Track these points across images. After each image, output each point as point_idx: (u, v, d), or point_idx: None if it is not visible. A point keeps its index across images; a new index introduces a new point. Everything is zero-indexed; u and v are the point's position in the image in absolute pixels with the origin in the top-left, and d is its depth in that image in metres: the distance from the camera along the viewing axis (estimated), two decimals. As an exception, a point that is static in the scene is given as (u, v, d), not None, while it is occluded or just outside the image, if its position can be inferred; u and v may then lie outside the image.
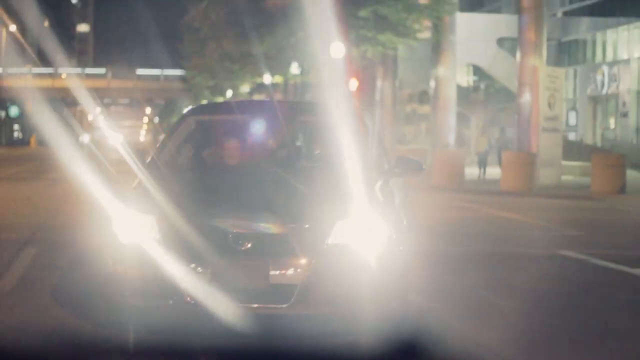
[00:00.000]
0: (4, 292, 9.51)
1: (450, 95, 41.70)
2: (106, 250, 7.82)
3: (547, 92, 29.48)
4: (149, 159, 9.04)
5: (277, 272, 7.36)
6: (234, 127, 9.55)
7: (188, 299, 7.42)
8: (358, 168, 8.07)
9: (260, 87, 61.32)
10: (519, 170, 27.32)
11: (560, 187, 28.35)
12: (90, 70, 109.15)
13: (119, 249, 7.77)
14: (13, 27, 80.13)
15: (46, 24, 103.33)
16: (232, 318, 7.25)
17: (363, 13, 34.88)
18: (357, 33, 35.11)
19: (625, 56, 43.30)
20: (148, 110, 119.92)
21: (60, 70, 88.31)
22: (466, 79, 57.40)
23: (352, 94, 33.17)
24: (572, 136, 47.45)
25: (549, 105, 29.59)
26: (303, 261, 7.36)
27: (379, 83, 46.50)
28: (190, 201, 7.95)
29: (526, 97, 30.30)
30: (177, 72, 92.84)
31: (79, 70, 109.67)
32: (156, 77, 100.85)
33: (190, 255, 7.49)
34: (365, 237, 7.44)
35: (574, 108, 48.69)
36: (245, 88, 62.79)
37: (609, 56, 43.95)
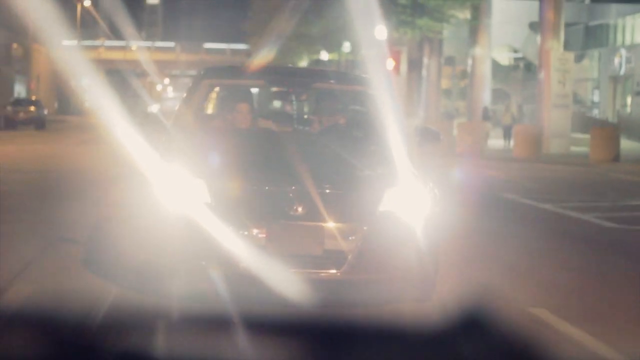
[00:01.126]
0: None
1: (485, 73, 45.82)
2: (150, 217, 7.57)
3: (558, 72, 33.61)
4: (175, 123, 8.80)
5: (331, 238, 7.42)
6: (264, 93, 9.85)
7: (242, 266, 7.31)
8: (399, 139, 8.15)
9: (317, 63, 65.58)
10: (528, 140, 31.58)
11: (566, 156, 32.46)
12: (160, 44, 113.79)
13: (166, 216, 7.49)
14: (88, 2, 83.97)
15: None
16: (286, 285, 7.12)
17: (402, 0, 39.15)
18: (397, 18, 39.39)
19: (640, 40, 47.00)
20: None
21: (131, 43, 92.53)
22: (508, 57, 61.29)
23: (390, 71, 37.46)
24: (595, 113, 51.59)
25: (561, 83, 33.75)
26: (356, 227, 7.44)
27: (425, 61, 50.43)
28: (239, 165, 7.85)
29: (541, 76, 34.49)
30: (242, 46, 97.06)
31: (149, 43, 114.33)
32: (222, 51, 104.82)
33: (243, 221, 7.41)
34: (411, 205, 7.61)
35: (597, 87, 52.82)
36: (303, 64, 67.23)
37: (628, 40, 47.74)
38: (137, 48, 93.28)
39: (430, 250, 7.64)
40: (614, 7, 53.74)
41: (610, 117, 48.25)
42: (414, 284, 7.62)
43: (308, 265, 7.40)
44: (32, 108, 48.97)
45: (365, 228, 7.43)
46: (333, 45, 50.51)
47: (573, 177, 23.68)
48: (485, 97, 45.31)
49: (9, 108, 48.18)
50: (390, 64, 37.67)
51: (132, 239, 8.71)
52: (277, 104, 9.63)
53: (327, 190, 7.54)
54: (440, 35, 44.89)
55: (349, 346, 1.88)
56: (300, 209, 7.47)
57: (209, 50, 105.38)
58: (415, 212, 7.59)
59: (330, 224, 7.44)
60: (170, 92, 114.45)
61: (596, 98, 52.85)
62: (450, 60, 58.94)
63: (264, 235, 7.40)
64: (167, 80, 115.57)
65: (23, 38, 68.12)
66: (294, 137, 8.95)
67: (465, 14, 44.05)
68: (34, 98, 55.10)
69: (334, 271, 7.39)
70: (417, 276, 7.55)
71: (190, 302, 7.20)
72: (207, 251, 7.29)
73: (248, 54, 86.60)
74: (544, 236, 12.29)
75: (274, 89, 10.30)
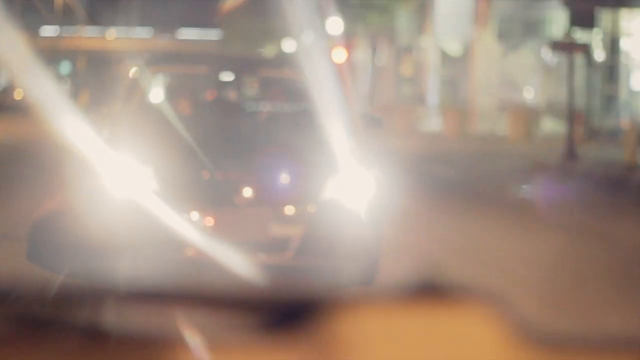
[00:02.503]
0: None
1: (433, 62, 50.53)
2: (97, 204, 7.51)
3: (485, 61, 38.47)
4: (120, 110, 8.85)
5: (277, 224, 7.62)
6: (199, 79, 9.72)
7: (189, 252, 7.40)
8: (341, 126, 8.19)
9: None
10: (455, 121, 36.47)
11: (487, 135, 37.24)
12: (136, 31, 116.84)
13: (112, 203, 7.49)
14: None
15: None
16: (233, 269, 7.14)
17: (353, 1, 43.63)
18: (349, 13, 43.80)
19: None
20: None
21: (109, 31, 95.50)
22: (456, 48, 66.10)
23: (342, 62, 41.89)
24: (528, 99, 57.29)
25: (486, 72, 38.58)
26: (299, 214, 7.66)
27: (380, 50, 54.66)
28: (185, 152, 7.89)
29: (470, 64, 39.35)
30: (216, 35, 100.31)
31: (125, 30, 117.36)
32: (198, 41, 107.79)
33: (190, 207, 7.52)
34: (353, 190, 7.81)
35: (532, 76, 58.65)
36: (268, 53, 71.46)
37: (558, 32, 53.23)
38: (114, 35, 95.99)
39: (373, 234, 7.83)
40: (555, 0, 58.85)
41: (541, 103, 53.38)
42: (358, 269, 7.70)
43: (254, 250, 7.58)
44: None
45: (309, 214, 7.68)
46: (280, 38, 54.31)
47: (474, 151, 28.58)
48: (431, 84, 49.92)
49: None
50: (341, 54, 42.15)
51: (78, 228, 8.01)
52: (222, 90, 9.69)
53: (272, 177, 7.80)
54: (391, 25, 49.17)
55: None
56: (245, 195, 7.62)
57: (183, 40, 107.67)
58: (357, 197, 7.80)
59: (275, 210, 7.65)
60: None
61: (531, 85, 58.28)
62: (408, 49, 63.41)
63: (211, 222, 7.56)
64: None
65: None
66: (239, 124, 8.96)
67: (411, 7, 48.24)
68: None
69: (279, 256, 7.61)
70: (361, 261, 7.70)
71: (141, 288, 8.10)
72: (154, 237, 7.34)
73: (220, 44, 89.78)
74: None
75: (219, 76, 10.03)
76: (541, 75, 55.68)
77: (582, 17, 25.27)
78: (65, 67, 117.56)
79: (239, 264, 7.24)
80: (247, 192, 7.66)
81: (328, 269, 7.75)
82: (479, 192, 17.53)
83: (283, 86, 9.58)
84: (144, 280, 3.88)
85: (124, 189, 7.57)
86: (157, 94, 9.34)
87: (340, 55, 42.96)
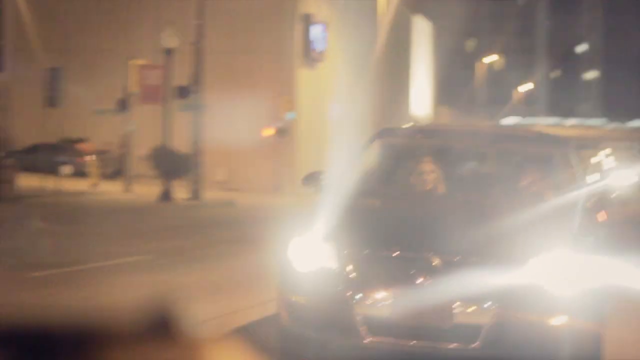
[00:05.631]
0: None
1: None
2: (283, 277, 7.69)
3: None
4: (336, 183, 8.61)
5: (462, 311, 7.04)
6: (441, 153, 8.98)
7: (368, 339, 7.14)
8: (562, 203, 7.92)
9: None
10: None
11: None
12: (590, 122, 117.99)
13: (295, 277, 7.51)
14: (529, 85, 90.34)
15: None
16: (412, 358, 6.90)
17: None
18: None
19: None
20: None
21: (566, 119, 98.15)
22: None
23: None
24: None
25: None
26: (490, 300, 6.99)
27: None
28: (379, 231, 7.71)
29: None
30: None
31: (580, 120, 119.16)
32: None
33: (369, 288, 7.18)
34: (560, 275, 7.10)
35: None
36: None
37: None
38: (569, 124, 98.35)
39: (587, 329, 7.17)
40: None
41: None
42: None
43: (437, 337, 7.14)
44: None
45: (502, 301, 7.04)
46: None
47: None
48: None
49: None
50: None
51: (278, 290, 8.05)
52: (468, 165, 9.12)
53: (459, 260, 7.19)
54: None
55: None
56: (429, 278, 7.14)
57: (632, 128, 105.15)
58: (565, 284, 7.13)
59: (462, 296, 7.08)
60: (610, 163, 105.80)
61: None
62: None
63: (390, 305, 7.13)
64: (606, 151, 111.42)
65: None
66: (459, 202, 8.50)
67: None
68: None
69: (466, 346, 7.07)
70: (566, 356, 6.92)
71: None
72: (334, 319, 7.27)
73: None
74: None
75: (459, 150, 9.38)
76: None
77: None
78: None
79: (418, 351, 7.12)
80: (431, 275, 7.16)
81: None
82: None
83: (530, 162, 9.09)
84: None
85: (304, 263, 7.58)
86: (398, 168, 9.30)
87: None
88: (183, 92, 34.27)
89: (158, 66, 35.58)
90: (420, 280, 7.14)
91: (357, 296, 7.21)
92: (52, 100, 33.09)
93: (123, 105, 37.56)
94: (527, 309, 7.06)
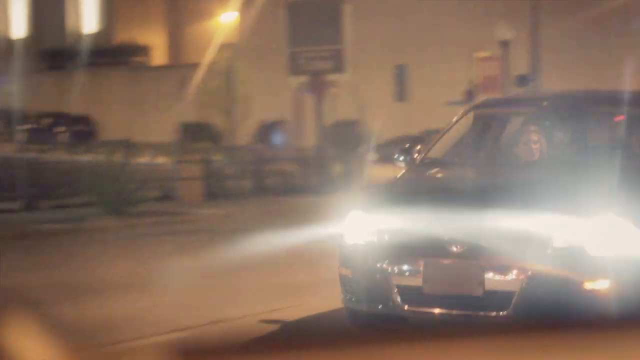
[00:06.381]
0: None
1: None
2: (338, 250, 7.86)
3: None
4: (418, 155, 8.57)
5: (493, 277, 6.97)
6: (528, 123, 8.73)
7: (405, 307, 7.23)
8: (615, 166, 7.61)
9: None
10: None
11: None
12: None
13: (343, 250, 7.71)
14: None
15: None
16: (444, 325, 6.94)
17: None
18: None
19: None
20: None
21: None
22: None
23: None
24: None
25: None
26: (522, 266, 6.91)
27: None
28: (432, 201, 7.61)
29: None
30: None
31: None
32: None
33: (407, 259, 7.27)
34: (601, 240, 6.89)
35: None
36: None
37: None
38: None
39: (623, 297, 6.80)
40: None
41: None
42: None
43: (467, 306, 7.11)
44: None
45: (534, 265, 6.92)
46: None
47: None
48: None
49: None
50: None
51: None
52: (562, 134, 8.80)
53: (495, 224, 7.10)
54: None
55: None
56: (459, 246, 7.13)
57: None
58: (606, 248, 6.91)
59: (493, 262, 7.03)
60: None
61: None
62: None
63: (425, 275, 7.19)
64: None
65: None
66: (533, 169, 8.32)
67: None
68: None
69: (497, 313, 6.98)
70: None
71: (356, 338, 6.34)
72: (374, 289, 7.38)
73: None
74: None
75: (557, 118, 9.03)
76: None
77: None
78: None
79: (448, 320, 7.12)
80: (462, 244, 7.14)
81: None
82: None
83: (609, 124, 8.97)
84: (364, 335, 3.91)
85: (351, 235, 7.71)
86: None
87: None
88: (523, 81, 35.60)
89: (496, 57, 37.09)
90: (453, 248, 7.18)
91: (394, 267, 7.31)
92: (400, 95, 35.28)
93: (470, 96, 39.28)
94: (565, 271, 6.91)
